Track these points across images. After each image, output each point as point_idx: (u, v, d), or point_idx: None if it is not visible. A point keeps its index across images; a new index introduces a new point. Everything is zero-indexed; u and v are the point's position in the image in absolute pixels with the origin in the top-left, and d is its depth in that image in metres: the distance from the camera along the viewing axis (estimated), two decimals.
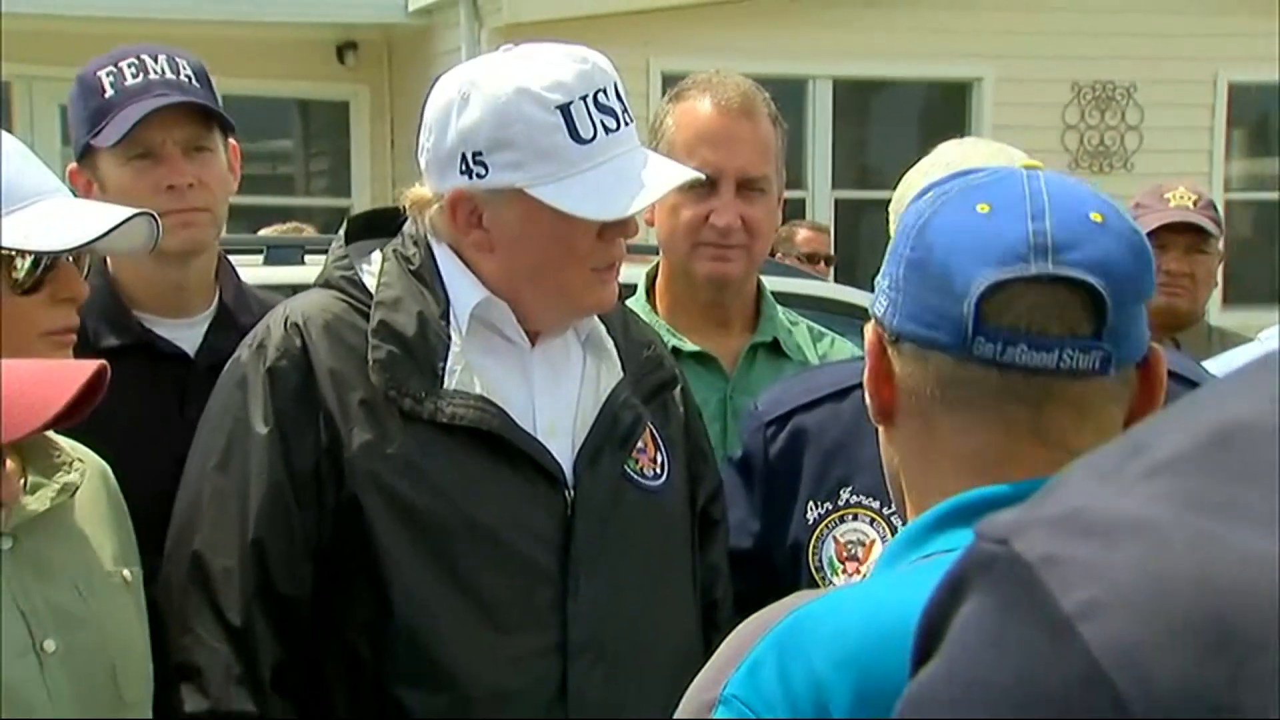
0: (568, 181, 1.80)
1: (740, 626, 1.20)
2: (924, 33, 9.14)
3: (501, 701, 1.83)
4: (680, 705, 1.18)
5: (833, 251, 6.90)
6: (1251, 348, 3.07)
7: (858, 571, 2.03)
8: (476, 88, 1.82)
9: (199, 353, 2.24)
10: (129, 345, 2.17)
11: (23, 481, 1.63)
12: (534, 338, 1.95)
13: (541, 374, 1.94)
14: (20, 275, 1.65)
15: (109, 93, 2.19)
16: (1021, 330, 1.12)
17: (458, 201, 1.87)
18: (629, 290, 2.12)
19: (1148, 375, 1.18)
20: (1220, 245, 3.67)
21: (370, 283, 1.92)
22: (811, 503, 2.07)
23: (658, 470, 2.00)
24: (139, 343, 2.19)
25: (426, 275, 1.91)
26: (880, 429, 1.25)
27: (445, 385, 1.86)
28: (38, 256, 1.64)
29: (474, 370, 1.88)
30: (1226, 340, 3.55)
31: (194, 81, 2.23)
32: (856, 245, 8.69)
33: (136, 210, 1.72)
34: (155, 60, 2.22)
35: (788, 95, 9.18)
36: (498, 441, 1.87)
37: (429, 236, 1.93)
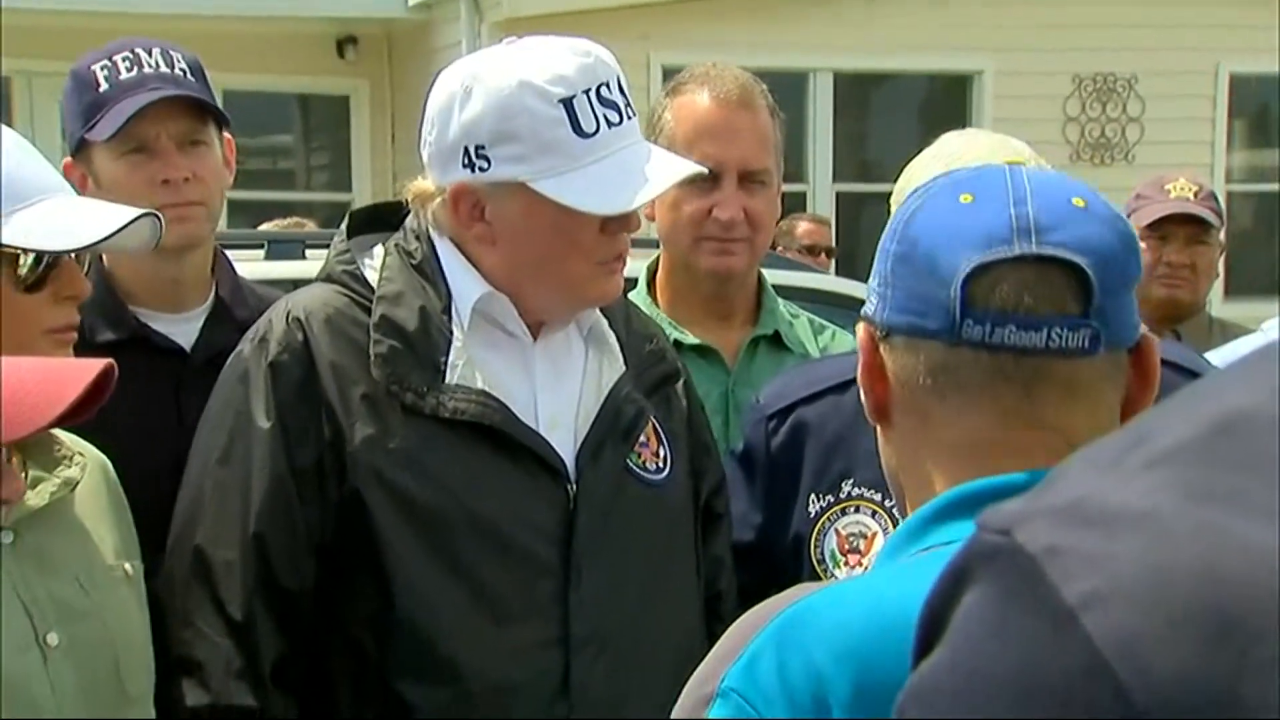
0: (570, 175, 1.80)
1: (740, 620, 1.20)
2: (924, 26, 9.14)
3: (504, 695, 1.83)
4: (679, 698, 1.18)
5: (834, 244, 6.90)
6: (1254, 338, 3.07)
7: (859, 564, 2.03)
8: (479, 81, 1.82)
9: (195, 347, 2.24)
10: (125, 340, 2.16)
11: (24, 476, 1.63)
12: (536, 332, 1.95)
13: (543, 368, 1.94)
14: (23, 273, 1.65)
15: (103, 87, 2.19)
16: (1009, 311, 1.13)
17: (460, 195, 1.87)
18: (630, 284, 2.12)
19: (1141, 361, 1.19)
20: (1221, 236, 3.67)
21: (372, 277, 1.92)
22: (813, 495, 2.07)
23: (660, 464, 2.00)
24: (135, 337, 2.19)
25: (428, 269, 1.91)
26: (877, 428, 1.25)
27: (447, 380, 1.86)
28: (41, 254, 1.64)
29: (476, 365, 1.88)
30: (1228, 331, 3.55)
31: (189, 75, 2.23)
32: (857, 238, 8.68)
33: (142, 210, 1.72)
34: (150, 54, 2.21)
35: (788, 88, 9.17)
36: (499, 436, 1.87)
37: (431, 230, 1.93)
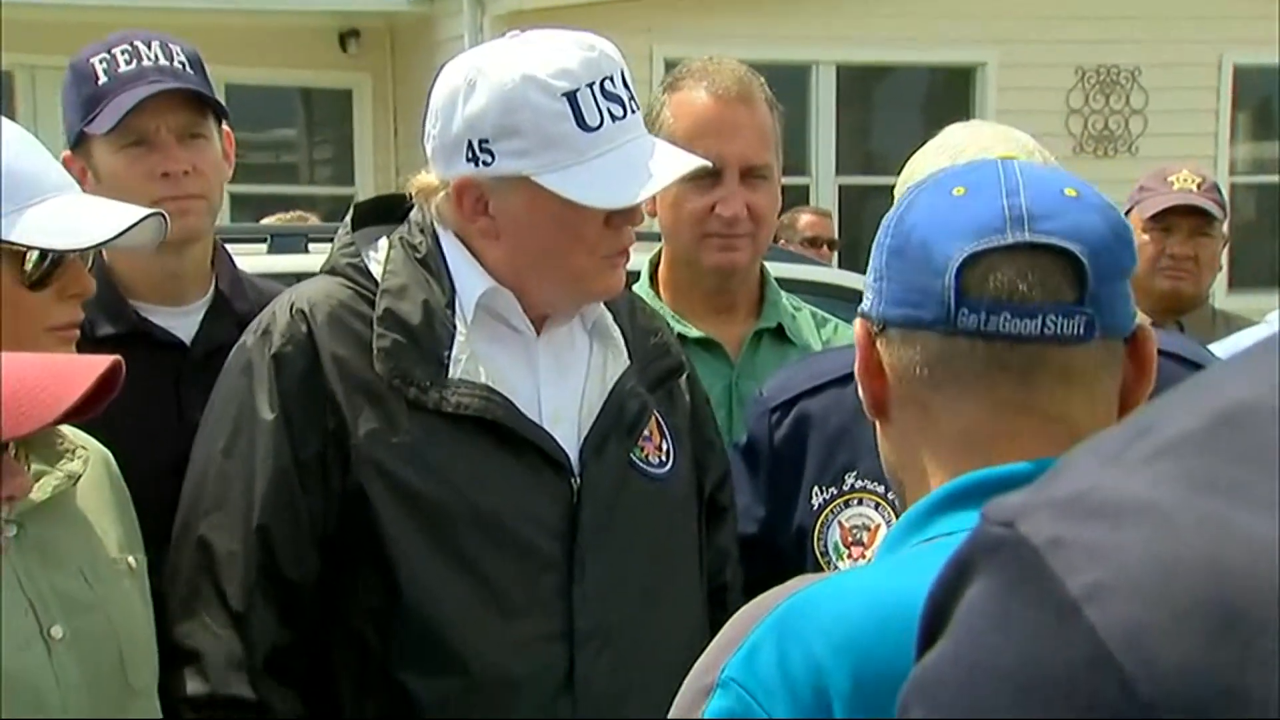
0: (574, 169, 1.80)
1: (740, 611, 1.20)
2: (927, 18, 9.13)
3: (508, 688, 1.83)
4: (680, 690, 1.19)
5: (836, 236, 6.90)
6: (1257, 330, 3.07)
7: (863, 556, 2.03)
8: (483, 74, 1.82)
9: (195, 341, 2.24)
10: (125, 334, 2.15)
11: (27, 470, 1.63)
12: (540, 326, 1.95)
13: (547, 363, 1.94)
14: (29, 270, 1.65)
15: (102, 79, 2.18)
16: (1003, 299, 1.13)
17: (464, 189, 1.87)
18: (632, 276, 2.11)
19: (1137, 351, 1.19)
20: (1225, 228, 3.66)
21: (376, 270, 1.92)
22: (816, 488, 2.07)
23: (663, 458, 2.00)
24: (135, 332, 2.18)
25: (433, 263, 1.90)
26: (876, 424, 1.25)
27: (450, 374, 1.86)
28: (47, 252, 1.64)
29: (479, 359, 1.88)
30: (1231, 323, 3.54)
31: (188, 68, 2.22)
32: (860, 231, 8.68)
33: (150, 210, 1.72)
34: (149, 47, 2.21)
35: (791, 81, 9.18)
36: (503, 430, 1.86)
37: (435, 224, 1.92)
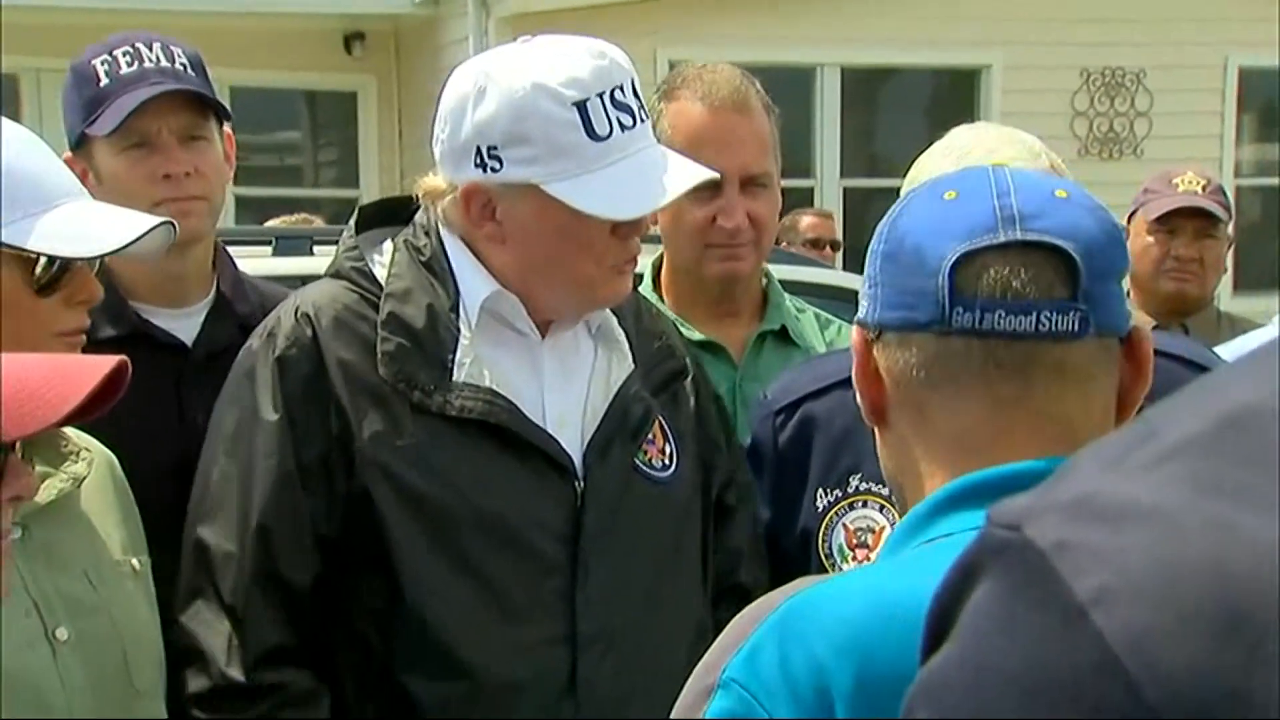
0: (583, 178, 1.80)
1: (741, 613, 1.21)
2: (932, 20, 9.13)
3: (511, 691, 1.83)
4: (682, 692, 1.19)
5: (840, 238, 6.91)
6: (1264, 332, 3.07)
7: (868, 558, 2.03)
8: (493, 81, 1.82)
9: (196, 343, 2.24)
10: (126, 336, 2.14)
11: (32, 472, 1.63)
12: (545, 330, 1.95)
13: (552, 366, 1.94)
14: (38, 275, 1.65)
15: (104, 81, 2.18)
16: (997, 297, 1.13)
17: (471, 194, 1.87)
18: (636, 279, 2.11)
19: (1134, 352, 1.19)
20: (1230, 230, 3.66)
21: (381, 274, 1.92)
22: (821, 490, 2.07)
23: (666, 461, 2.00)
24: (136, 334, 2.18)
25: (437, 267, 1.91)
26: (875, 431, 1.25)
27: (455, 378, 1.86)
28: (55, 258, 1.64)
29: (484, 363, 1.88)
30: (1236, 325, 3.54)
31: (189, 70, 2.22)
32: (865, 234, 8.60)
33: (161, 220, 1.72)
34: (150, 48, 2.21)
35: (796, 83, 9.19)
36: (507, 434, 1.87)
37: (440, 227, 1.93)
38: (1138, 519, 0.57)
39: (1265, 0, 8.92)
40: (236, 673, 1.81)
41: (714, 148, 2.20)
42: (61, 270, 1.65)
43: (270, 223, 5.40)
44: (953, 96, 9.84)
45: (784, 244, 5.43)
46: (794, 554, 2.08)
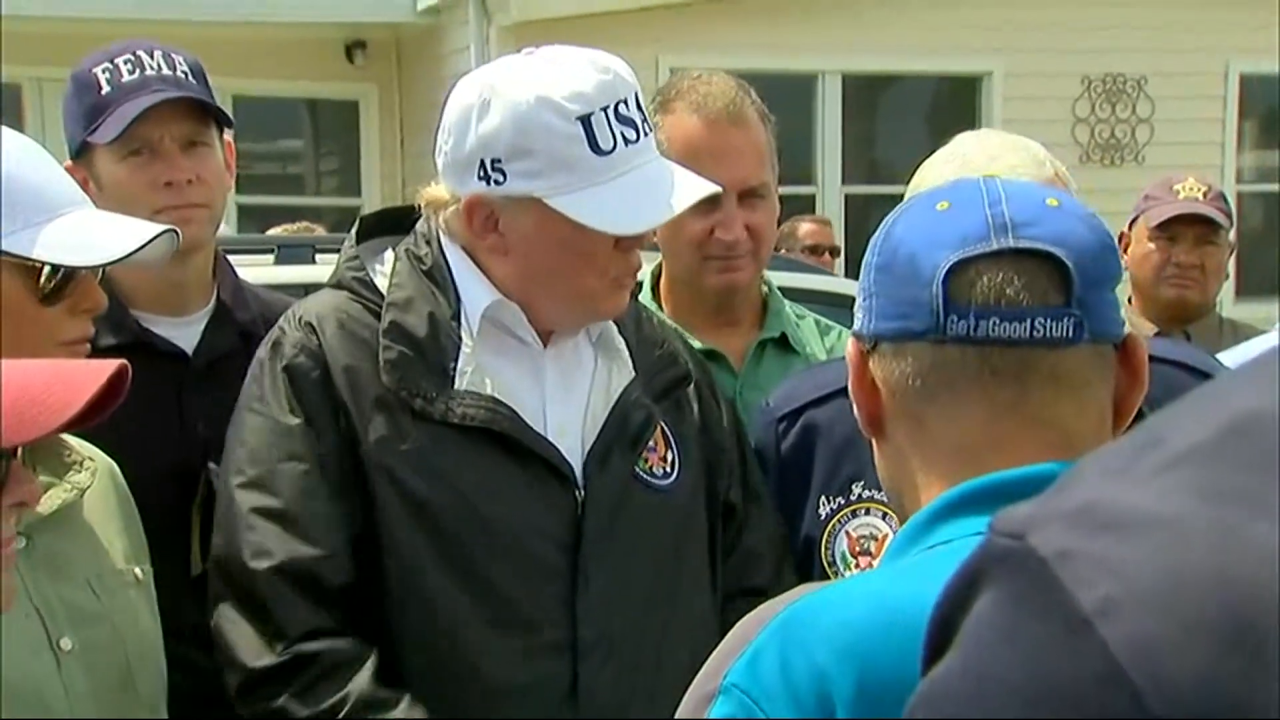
0: (586, 192, 1.81)
1: (743, 619, 1.21)
2: (933, 27, 9.13)
3: (512, 698, 1.83)
4: (683, 699, 1.19)
5: (840, 245, 6.91)
6: (1267, 338, 3.07)
7: (870, 566, 2.02)
8: (497, 94, 1.83)
9: (197, 351, 2.24)
10: (126, 345, 2.13)
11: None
12: (546, 339, 1.95)
13: (553, 375, 1.95)
14: (43, 284, 1.65)
15: (105, 89, 2.19)
16: (991, 304, 1.14)
17: (474, 206, 1.87)
18: (636, 287, 2.11)
19: (1128, 358, 1.20)
20: (1231, 237, 3.66)
21: (382, 283, 1.93)
22: (823, 498, 2.07)
23: (667, 469, 2.00)
24: (136, 342, 2.17)
25: (438, 276, 1.91)
26: (874, 443, 1.26)
27: (456, 386, 1.87)
28: (59, 266, 1.65)
29: (485, 371, 1.88)
30: (1239, 332, 3.55)
31: (190, 77, 2.23)
32: (866, 240, 8.64)
33: (164, 227, 1.73)
34: (151, 56, 2.21)
35: (797, 90, 9.19)
36: (509, 441, 1.87)
37: (442, 236, 1.93)
38: (1142, 528, 0.56)
39: (1266, 7, 8.92)
40: (267, 659, 1.79)
41: (711, 161, 2.18)
42: (65, 279, 1.66)
43: (272, 231, 5.40)
44: (954, 103, 9.83)
45: (783, 251, 5.43)
46: (797, 562, 2.08)
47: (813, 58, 9.15)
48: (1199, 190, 3.57)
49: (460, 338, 1.89)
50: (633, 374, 1.99)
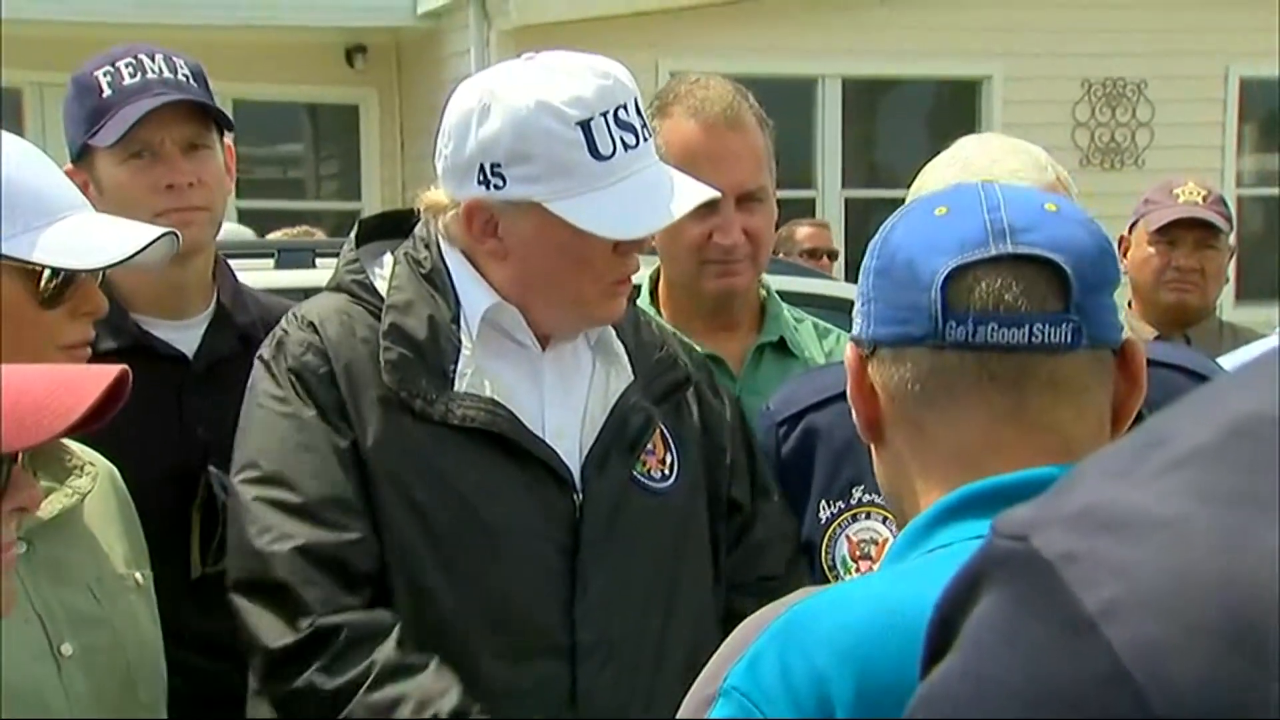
0: (586, 197, 1.81)
1: (743, 623, 1.21)
2: (933, 31, 9.14)
3: (511, 701, 1.83)
4: (683, 702, 1.19)
5: (838, 249, 6.92)
6: (1267, 342, 3.07)
7: (871, 570, 2.02)
8: (497, 99, 1.83)
9: (197, 354, 2.24)
10: (126, 348, 2.13)
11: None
12: (545, 342, 1.96)
13: (552, 378, 1.95)
14: (43, 288, 1.65)
15: (106, 92, 2.19)
16: (990, 310, 1.14)
17: (474, 210, 1.87)
18: (634, 291, 2.11)
19: (1127, 364, 1.20)
20: (1231, 240, 3.66)
21: (381, 286, 1.93)
22: (824, 502, 2.07)
23: (666, 471, 2.00)
24: (136, 345, 2.17)
25: (437, 279, 1.91)
26: (872, 448, 1.26)
27: (456, 388, 1.87)
28: (59, 270, 1.65)
29: (484, 374, 1.89)
30: (1239, 336, 3.54)
31: (191, 81, 2.23)
32: (866, 244, 8.66)
33: (164, 230, 1.73)
34: (152, 59, 2.21)
35: (797, 94, 9.20)
36: (508, 444, 1.87)
37: (440, 240, 1.93)
38: (1146, 529, 0.56)
39: (1266, 10, 8.92)
40: (289, 637, 1.77)
41: (708, 165, 2.18)
42: (66, 283, 1.66)
43: (272, 235, 5.41)
44: (954, 107, 9.84)
45: (781, 254, 5.43)
46: None
47: (813, 61, 9.16)
48: (1199, 194, 3.57)
49: (460, 340, 1.89)
50: (631, 378, 1.99)
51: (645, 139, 1.87)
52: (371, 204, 9.77)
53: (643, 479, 1.96)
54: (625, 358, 2.01)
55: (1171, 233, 3.52)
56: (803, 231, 6.54)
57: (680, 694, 1.21)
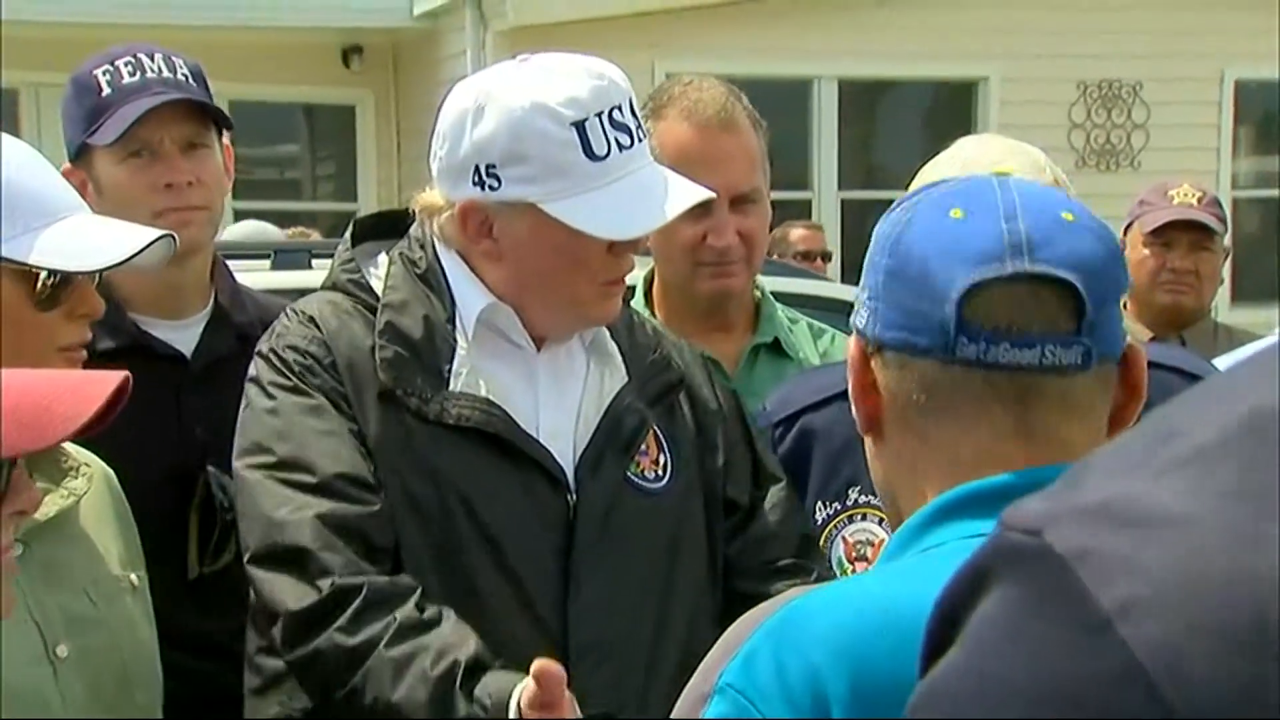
0: (581, 198, 1.81)
1: (738, 620, 1.21)
2: (929, 32, 9.14)
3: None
4: (678, 701, 1.19)
5: (834, 250, 6.92)
6: (1265, 343, 3.07)
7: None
8: (492, 100, 1.83)
9: (195, 354, 2.24)
10: (125, 347, 2.13)
11: None
12: (539, 343, 1.96)
13: (546, 379, 1.95)
14: (39, 290, 1.65)
15: (105, 91, 2.18)
16: (1003, 330, 1.13)
17: (469, 211, 1.87)
18: (629, 292, 2.11)
19: (1128, 372, 1.20)
20: (1226, 242, 3.66)
21: (377, 285, 1.93)
22: (820, 503, 2.07)
23: (659, 472, 1.99)
24: (135, 345, 2.17)
25: (433, 279, 1.92)
26: (868, 441, 1.25)
27: (451, 387, 1.87)
28: (55, 271, 1.65)
29: (479, 374, 1.89)
30: (1234, 338, 3.55)
31: (190, 80, 2.23)
32: (863, 246, 8.61)
33: (162, 232, 1.73)
34: (152, 59, 2.21)
35: (793, 96, 9.20)
36: (502, 444, 1.87)
37: (436, 241, 1.93)
38: (1160, 526, 0.55)
39: (1262, 13, 8.93)
40: (310, 598, 1.75)
41: (702, 167, 2.17)
42: (62, 284, 1.66)
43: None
44: (950, 109, 9.85)
45: (775, 256, 5.43)
46: None
47: (809, 63, 9.16)
48: (1194, 196, 3.57)
49: (455, 340, 1.89)
50: (625, 379, 1.99)
51: (640, 140, 1.87)
52: (368, 205, 9.77)
53: (636, 480, 1.96)
54: (620, 359, 2.01)
55: (1166, 234, 3.52)
56: (796, 233, 6.54)
57: (675, 695, 1.21)
